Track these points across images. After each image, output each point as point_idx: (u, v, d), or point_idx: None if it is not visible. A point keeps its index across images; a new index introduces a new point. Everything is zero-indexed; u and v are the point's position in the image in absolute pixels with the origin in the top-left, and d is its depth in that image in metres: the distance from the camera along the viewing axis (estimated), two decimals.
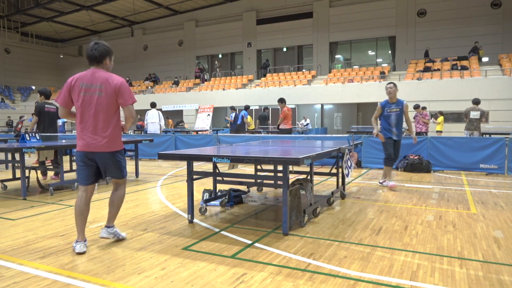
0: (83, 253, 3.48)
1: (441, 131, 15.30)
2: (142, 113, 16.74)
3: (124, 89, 3.51)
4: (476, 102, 10.40)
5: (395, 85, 6.70)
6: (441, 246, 3.64)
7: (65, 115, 3.63)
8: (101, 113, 3.48)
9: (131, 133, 18.41)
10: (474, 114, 10.18)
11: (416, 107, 13.88)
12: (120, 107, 3.59)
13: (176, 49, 30.92)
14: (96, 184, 3.83)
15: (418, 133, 13.41)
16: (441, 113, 15.87)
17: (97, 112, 3.47)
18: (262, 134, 13.59)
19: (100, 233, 3.83)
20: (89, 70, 3.55)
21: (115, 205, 3.76)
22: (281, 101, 10.72)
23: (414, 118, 14.01)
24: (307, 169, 5.92)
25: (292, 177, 5.28)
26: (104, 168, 3.63)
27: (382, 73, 21.40)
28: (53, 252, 3.54)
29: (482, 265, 3.18)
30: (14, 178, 7.09)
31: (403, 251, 3.51)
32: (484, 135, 11.53)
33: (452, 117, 17.94)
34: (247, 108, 15.58)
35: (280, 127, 11.00)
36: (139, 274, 3.02)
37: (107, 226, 3.77)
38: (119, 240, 3.84)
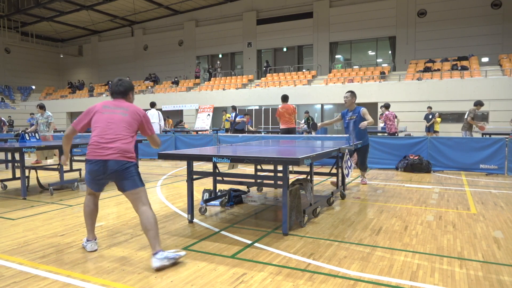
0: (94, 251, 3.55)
1: (437, 131, 15.47)
2: None
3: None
4: (475, 103, 10.48)
5: (352, 94, 6.98)
6: (441, 246, 3.64)
7: None
8: None
9: None
10: (466, 114, 10.63)
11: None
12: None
13: (176, 49, 30.90)
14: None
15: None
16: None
17: None
18: (263, 134, 13.60)
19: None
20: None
21: None
22: (281, 98, 10.53)
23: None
24: (307, 169, 5.91)
25: (292, 177, 5.28)
26: None
27: (382, 73, 21.40)
28: (53, 252, 3.54)
29: (482, 265, 3.18)
30: (14, 178, 7.08)
31: (403, 251, 3.51)
32: (484, 136, 11.54)
33: (452, 117, 17.94)
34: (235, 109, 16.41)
35: (280, 127, 10.98)
36: (139, 274, 3.02)
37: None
38: (178, 262, 3.23)
